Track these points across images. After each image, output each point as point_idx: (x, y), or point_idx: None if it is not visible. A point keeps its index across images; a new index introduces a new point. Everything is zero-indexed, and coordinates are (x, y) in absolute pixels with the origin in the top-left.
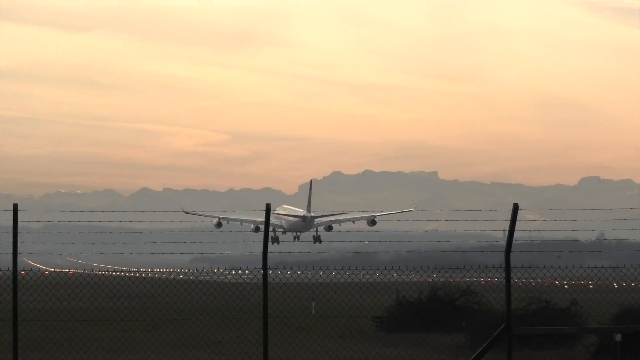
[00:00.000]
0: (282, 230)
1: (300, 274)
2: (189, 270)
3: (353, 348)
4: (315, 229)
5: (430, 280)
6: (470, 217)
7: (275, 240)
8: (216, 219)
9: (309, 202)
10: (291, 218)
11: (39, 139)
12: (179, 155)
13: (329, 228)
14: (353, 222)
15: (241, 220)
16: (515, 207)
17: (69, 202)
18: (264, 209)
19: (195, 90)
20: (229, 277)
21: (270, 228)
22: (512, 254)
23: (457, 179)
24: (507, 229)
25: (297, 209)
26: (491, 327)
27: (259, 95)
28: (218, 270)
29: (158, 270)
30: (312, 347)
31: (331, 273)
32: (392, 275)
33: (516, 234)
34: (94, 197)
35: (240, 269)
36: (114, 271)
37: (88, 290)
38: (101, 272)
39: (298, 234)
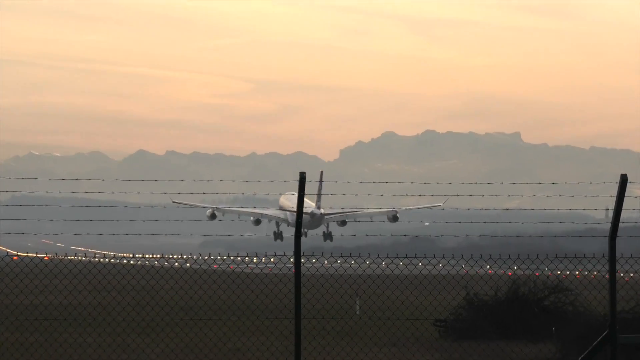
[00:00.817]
0: (287, 224)
1: (342, 263)
2: (198, 257)
3: (410, 359)
4: (326, 223)
5: (510, 273)
6: (562, 191)
7: (279, 236)
8: (210, 209)
9: (319, 195)
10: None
11: (4, 86)
12: (186, 108)
13: (343, 223)
14: (371, 218)
15: (239, 212)
16: (624, 180)
17: (45, 167)
18: (297, 179)
19: (210, 25)
20: (250, 266)
21: (265, 219)
22: (617, 240)
23: (546, 142)
24: (612, 207)
25: (306, 201)
26: (590, 334)
27: (291, 33)
28: (236, 257)
29: (159, 256)
30: (356, 357)
31: (381, 263)
32: (461, 267)
33: (624, 214)
34: (77, 162)
35: (264, 256)
36: (103, 257)
37: (69, 282)
38: (86, 258)
39: (305, 230)
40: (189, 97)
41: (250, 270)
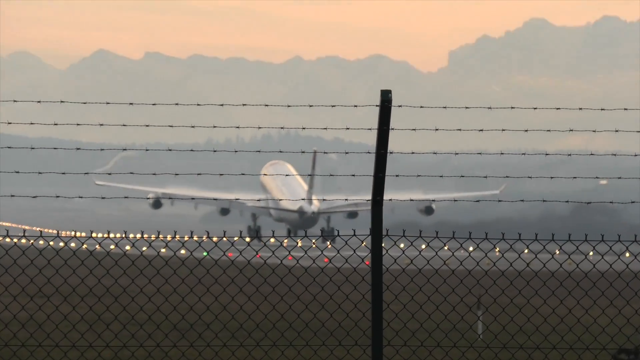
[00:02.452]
0: (270, 216)
1: (439, 250)
2: (204, 239)
3: None
4: (326, 218)
5: None
6: None
7: (255, 232)
8: (151, 195)
9: (311, 184)
10: (282, 210)
11: None
12: None
13: (352, 215)
14: (392, 211)
15: (196, 199)
16: None
17: None
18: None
19: None
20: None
21: (236, 209)
22: None
23: None
24: None
25: (301, 183)
26: None
27: None
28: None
29: (137, 237)
30: None
31: (523, 251)
32: None
33: None
34: None
35: (303, 235)
36: (51, 238)
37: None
38: (23, 238)
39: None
40: None
41: (289, 261)
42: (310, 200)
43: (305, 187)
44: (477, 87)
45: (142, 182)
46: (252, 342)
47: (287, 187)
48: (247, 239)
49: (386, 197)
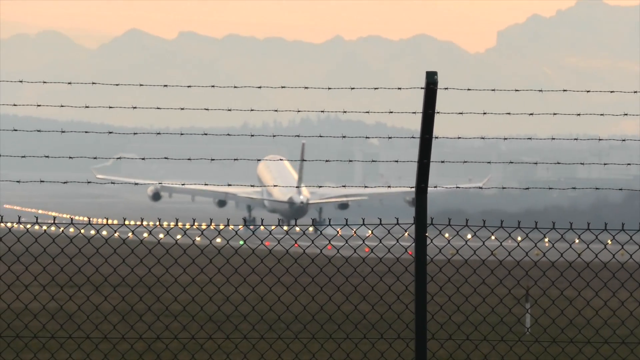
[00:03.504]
0: (264, 208)
1: (486, 240)
2: (240, 228)
3: None
4: (318, 209)
5: None
6: None
7: (250, 222)
8: (151, 187)
9: (300, 174)
10: (274, 201)
11: None
12: None
13: (343, 206)
14: (380, 201)
15: (193, 191)
16: None
17: None
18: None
19: None
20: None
21: (232, 200)
22: None
23: None
24: None
25: (290, 171)
26: None
27: None
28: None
29: (171, 225)
30: None
31: (574, 240)
32: None
33: None
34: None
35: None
36: (82, 225)
37: None
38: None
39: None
40: None
41: (327, 250)
42: (299, 190)
43: (295, 177)
44: (527, 69)
45: (148, 176)
46: (291, 335)
47: (280, 178)
48: (285, 228)
49: (431, 183)
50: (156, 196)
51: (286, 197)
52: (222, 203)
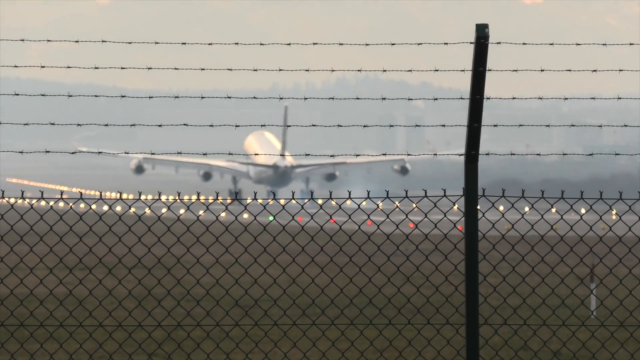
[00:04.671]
0: (248, 178)
1: (545, 212)
2: (269, 202)
3: None
4: (305, 179)
5: None
6: None
7: (236, 194)
8: (135, 160)
9: (284, 139)
10: (259, 166)
11: None
12: None
13: (331, 177)
14: (368, 171)
15: (177, 163)
16: None
17: None
18: None
19: None
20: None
21: (217, 172)
22: None
23: None
24: None
25: (272, 142)
26: None
27: None
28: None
29: (192, 199)
30: None
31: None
32: None
33: None
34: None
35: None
36: (92, 201)
37: None
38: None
39: (269, 189)
40: None
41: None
42: (283, 156)
43: (278, 146)
44: (589, 21)
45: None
46: (326, 321)
47: (267, 149)
48: (320, 201)
49: (482, 150)
50: (139, 169)
51: (271, 162)
52: (207, 176)
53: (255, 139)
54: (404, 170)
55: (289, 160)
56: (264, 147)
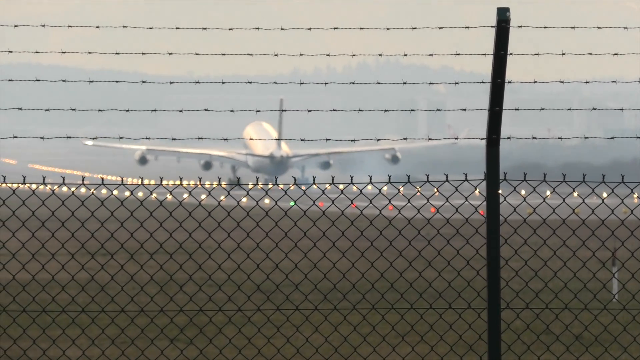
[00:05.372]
0: (247, 167)
1: (566, 196)
2: (290, 187)
3: None
4: (301, 168)
5: None
6: None
7: (235, 182)
8: (138, 152)
9: (280, 129)
10: (257, 156)
11: None
12: None
13: (326, 165)
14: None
15: (179, 154)
16: None
17: None
18: None
19: None
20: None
21: (218, 162)
22: None
23: None
24: None
25: (268, 130)
26: None
27: None
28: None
29: (214, 184)
30: None
31: None
32: None
33: None
34: None
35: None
36: (114, 186)
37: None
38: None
39: (266, 177)
40: None
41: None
42: (279, 146)
43: (274, 134)
44: (611, 3)
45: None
46: (348, 305)
47: (263, 137)
48: (341, 186)
49: (503, 134)
50: (143, 160)
51: (268, 151)
52: (207, 165)
53: (253, 129)
54: (394, 159)
55: (285, 150)
56: (262, 136)
